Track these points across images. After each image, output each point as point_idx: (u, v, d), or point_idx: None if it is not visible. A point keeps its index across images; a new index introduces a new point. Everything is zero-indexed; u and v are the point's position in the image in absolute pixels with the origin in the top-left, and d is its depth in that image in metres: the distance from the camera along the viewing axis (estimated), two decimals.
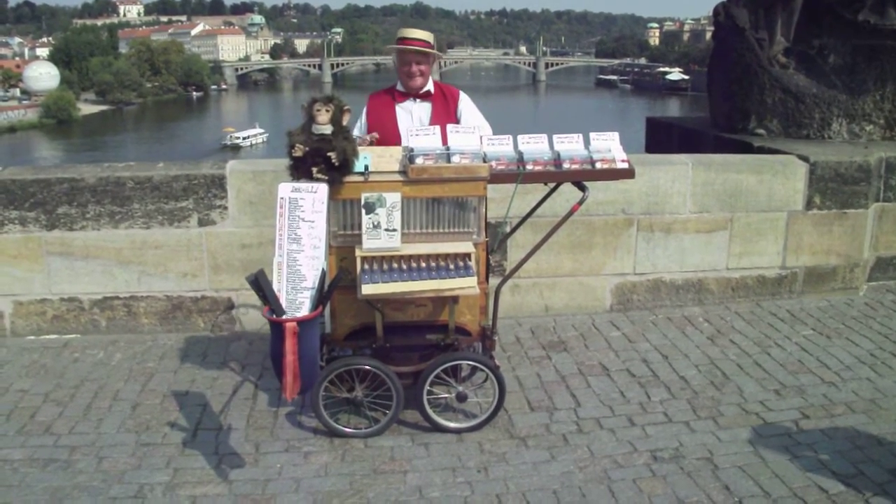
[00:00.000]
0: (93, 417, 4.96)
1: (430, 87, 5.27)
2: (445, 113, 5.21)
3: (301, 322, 4.05)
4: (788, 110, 7.88)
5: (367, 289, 4.27)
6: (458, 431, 4.76)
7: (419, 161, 4.42)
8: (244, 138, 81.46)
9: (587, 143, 4.83)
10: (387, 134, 5.09)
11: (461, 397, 4.77)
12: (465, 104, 5.33)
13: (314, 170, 4.27)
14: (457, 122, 5.20)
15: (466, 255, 4.44)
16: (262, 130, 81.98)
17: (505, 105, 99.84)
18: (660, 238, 6.67)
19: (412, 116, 5.22)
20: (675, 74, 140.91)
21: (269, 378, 5.38)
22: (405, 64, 5.16)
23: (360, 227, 4.36)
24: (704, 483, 4.24)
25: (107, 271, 6.13)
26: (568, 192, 5.01)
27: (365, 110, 5.36)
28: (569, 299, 6.64)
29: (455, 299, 4.54)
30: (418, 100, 5.24)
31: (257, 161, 6.70)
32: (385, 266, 4.37)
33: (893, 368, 5.63)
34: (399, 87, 5.30)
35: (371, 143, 4.85)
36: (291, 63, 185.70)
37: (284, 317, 4.07)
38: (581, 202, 4.75)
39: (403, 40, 5.18)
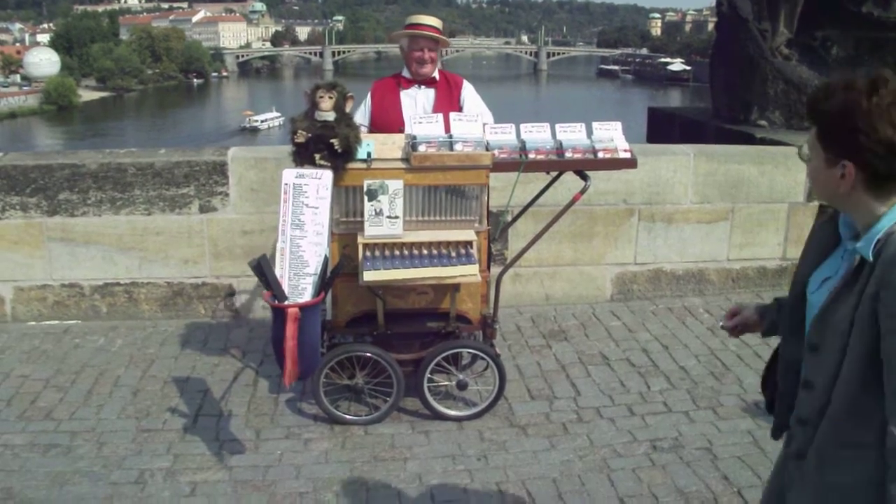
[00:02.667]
0: (93, 403, 4.97)
1: (435, 74, 5.28)
2: (448, 101, 5.22)
3: (303, 308, 4.05)
4: (791, 101, 7.87)
5: (369, 275, 4.28)
6: (458, 419, 4.78)
7: (422, 149, 4.42)
8: (262, 121, 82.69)
9: (589, 132, 4.82)
10: (390, 120, 5.09)
11: (461, 385, 4.78)
12: (469, 92, 5.34)
13: (317, 156, 4.27)
14: (459, 110, 5.20)
15: (468, 243, 4.45)
16: (278, 114, 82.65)
17: (506, 94, 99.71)
18: (661, 228, 6.66)
19: (416, 103, 5.22)
20: (677, 65, 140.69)
21: (269, 365, 5.39)
22: (416, 50, 5.16)
23: (362, 214, 4.36)
24: (703, 473, 4.25)
25: (108, 257, 6.13)
26: (570, 181, 5.01)
27: (369, 96, 5.35)
28: (569, 289, 6.64)
29: (456, 287, 4.54)
30: (423, 86, 5.24)
31: (259, 148, 6.71)
32: (387, 253, 4.37)
33: None
34: (405, 74, 5.30)
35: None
36: (292, 51, 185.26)
37: (286, 302, 4.07)
38: (583, 191, 4.75)
39: (416, 26, 5.18)
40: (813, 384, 2.25)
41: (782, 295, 2.57)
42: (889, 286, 2.01)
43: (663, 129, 9.58)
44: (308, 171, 4.26)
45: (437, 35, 5.15)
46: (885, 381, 2.04)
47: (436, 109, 5.10)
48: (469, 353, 4.86)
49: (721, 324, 2.79)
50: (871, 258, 2.07)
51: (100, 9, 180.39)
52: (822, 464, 2.23)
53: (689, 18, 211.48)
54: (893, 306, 2.00)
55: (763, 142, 7.40)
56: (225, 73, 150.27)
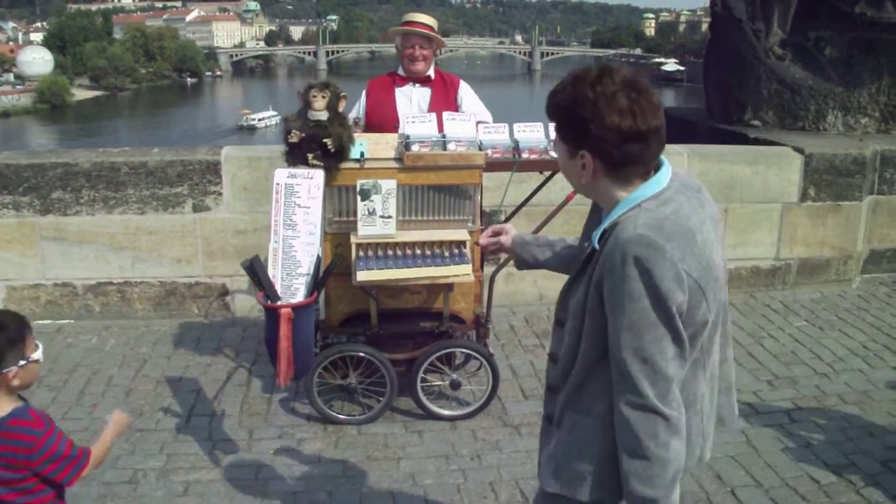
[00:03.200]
0: (86, 403, 4.96)
1: (430, 72, 5.28)
2: (444, 99, 5.22)
3: (296, 308, 4.04)
4: (784, 102, 7.89)
5: (362, 275, 4.27)
6: (451, 419, 4.77)
7: (415, 148, 4.42)
8: (259, 120, 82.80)
9: None
10: (385, 117, 5.10)
11: (455, 385, 4.77)
12: (466, 91, 5.35)
13: (310, 156, 4.26)
14: (456, 109, 5.22)
15: (461, 243, 4.44)
16: (275, 113, 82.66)
17: (500, 94, 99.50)
18: None
19: (411, 101, 5.23)
20: (671, 65, 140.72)
21: (262, 364, 5.38)
22: (408, 47, 5.17)
23: (355, 214, 4.35)
24: (697, 473, 4.25)
25: (101, 257, 6.12)
26: (563, 180, 4.99)
27: (364, 93, 5.36)
28: None
29: (450, 287, 4.54)
30: (418, 84, 5.25)
31: (252, 147, 6.70)
32: (380, 253, 4.37)
33: (885, 360, 5.65)
34: (400, 72, 5.31)
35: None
36: (286, 50, 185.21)
37: (279, 303, 4.07)
38: (576, 191, 4.75)
39: (409, 23, 5.20)
40: (556, 357, 2.46)
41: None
42: (607, 276, 2.13)
43: None
44: (300, 170, 4.25)
45: (430, 32, 5.16)
46: (611, 362, 2.19)
47: (431, 108, 5.11)
48: (462, 352, 4.86)
49: (478, 240, 2.98)
50: (596, 247, 2.21)
51: (93, 7, 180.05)
52: (561, 427, 2.41)
53: (683, 18, 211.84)
54: (611, 294, 2.13)
55: (757, 142, 7.41)
56: (219, 73, 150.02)
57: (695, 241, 2.13)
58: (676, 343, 2.12)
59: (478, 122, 4.73)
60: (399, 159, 4.44)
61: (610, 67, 2.18)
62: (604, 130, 2.10)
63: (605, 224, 2.20)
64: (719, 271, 2.24)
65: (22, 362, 2.63)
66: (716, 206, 2.33)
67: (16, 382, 2.63)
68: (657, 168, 2.25)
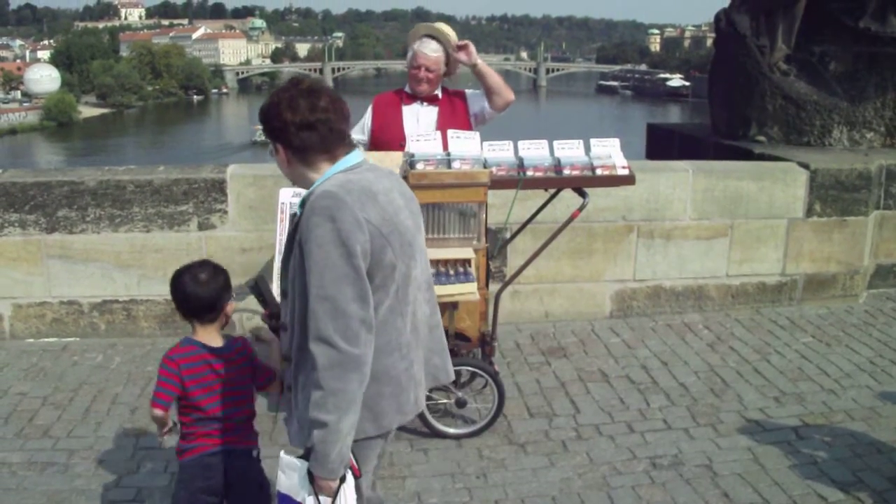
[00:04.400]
0: (91, 421, 4.96)
1: (438, 91, 5.28)
2: (452, 116, 5.22)
3: None
4: (789, 117, 7.88)
5: None
6: (457, 437, 4.75)
7: (420, 166, 4.42)
8: None
9: (588, 149, 4.83)
10: (391, 135, 5.10)
11: (460, 403, 4.75)
12: (472, 93, 5.38)
13: None
14: (466, 121, 5.22)
15: (466, 261, 4.44)
16: None
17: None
18: (660, 244, 6.66)
19: (418, 120, 5.22)
20: (676, 81, 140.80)
21: None
22: (415, 67, 5.17)
23: None
24: (704, 490, 4.24)
25: (106, 275, 6.13)
26: (568, 198, 5.02)
27: (370, 109, 5.36)
28: (569, 305, 6.63)
29: (455, 305, 4.53)
30: (426, 103, 5.24)
31: (257, 165, 6.69)
32: None
33: (893, 376, 5.63)
34: (407, 89, 5.31)
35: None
36: (292, 67, 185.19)
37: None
38: (581, 208, 4.76)
39: (427, 36, 5.18)
40: (286, 325, 2.80)
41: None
42: (303, 231, 2.55)
43: (662, 145, 9.58)
44: (304, 190, 4.25)
45: (440, 61, 5.15)
46: None
47: (439, 127, 5.09)
48: (468, 370, 4.84)
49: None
50: (299, 212, 2.65)
51: (100, 25, 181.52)
52: (297, 391, 2.74)
53: (687, 34, 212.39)
54: (304, 246, 2.54)
55: (762, 157, 7.40)
56: (225, 90, 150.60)
57: (376, 198, 2.61)
58: (357, 284, 2.50)
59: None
60: (404, 177, 4.44)
61: (299, 79, 2.71)
62: (282, 123, 2.63)
63: (305, 194, 2.67)
64: (407, 230, 2.72)
65: (233, 297, 3.33)
66: (412, 193, 2.93)
67: (229, 312, 3.32)
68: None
